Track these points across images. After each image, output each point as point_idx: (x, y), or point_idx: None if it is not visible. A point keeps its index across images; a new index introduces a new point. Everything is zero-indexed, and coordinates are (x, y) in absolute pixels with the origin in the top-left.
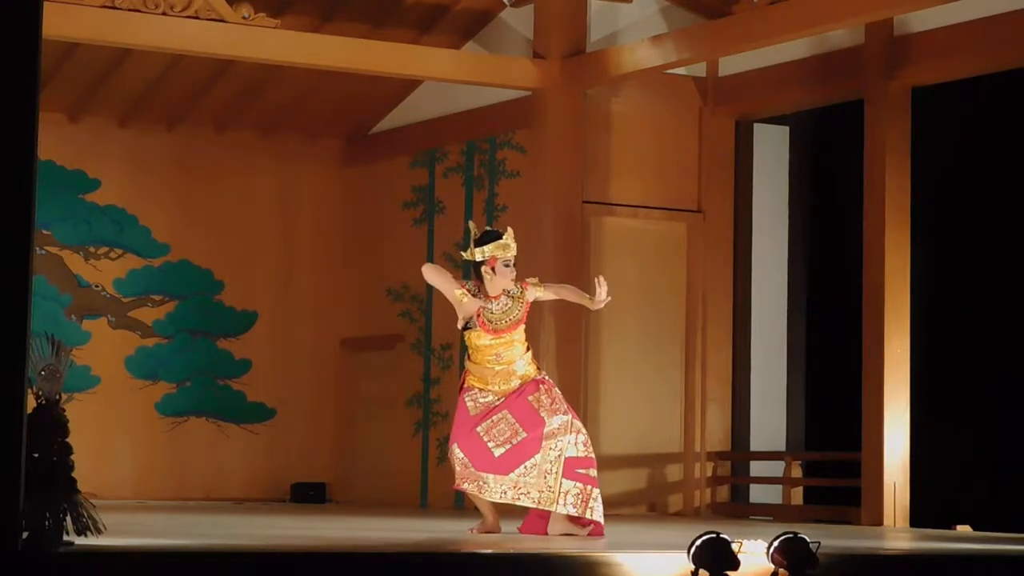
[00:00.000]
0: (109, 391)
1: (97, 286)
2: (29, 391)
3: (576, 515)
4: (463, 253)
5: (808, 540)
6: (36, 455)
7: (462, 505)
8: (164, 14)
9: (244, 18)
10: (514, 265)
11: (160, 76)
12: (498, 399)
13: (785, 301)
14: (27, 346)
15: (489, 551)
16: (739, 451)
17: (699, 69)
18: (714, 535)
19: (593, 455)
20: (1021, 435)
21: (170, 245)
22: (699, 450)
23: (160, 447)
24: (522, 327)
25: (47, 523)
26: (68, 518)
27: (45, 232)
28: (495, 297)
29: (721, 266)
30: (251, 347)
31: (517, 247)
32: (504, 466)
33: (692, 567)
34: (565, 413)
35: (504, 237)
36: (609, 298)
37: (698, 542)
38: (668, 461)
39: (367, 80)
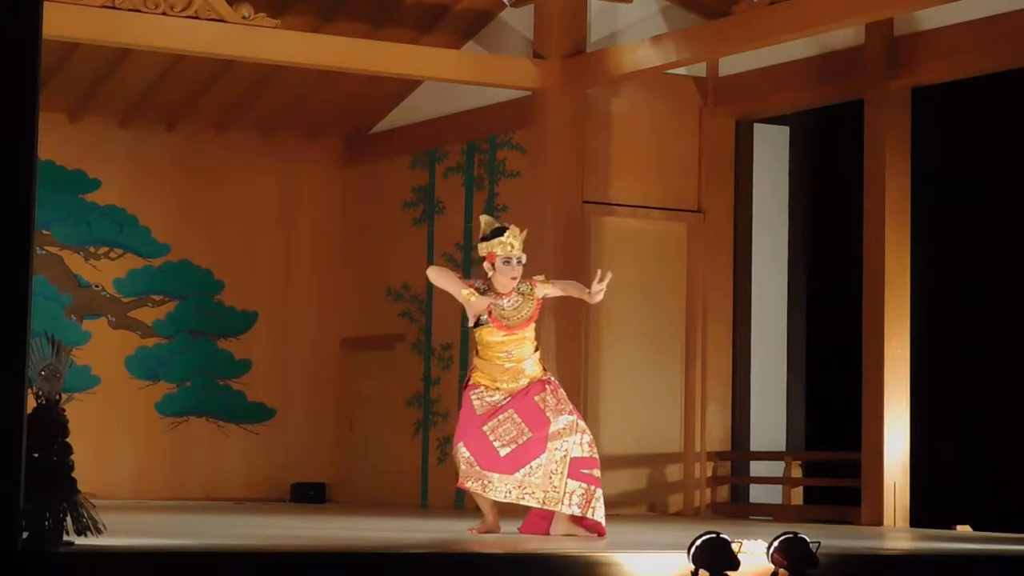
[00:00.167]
0: (109, 391)
1: (97, 286)
2: (29, 391)
3: (580, 515)
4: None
5: (808, 540)
6: (36, 455)
7: (462, 505)
8: (164, 14)
9: (244, 18)
10: (519, 263)
11: (160, 76)
12: (504, 398)
13: (785, 301)
14: (27, 346)
15: (489, 551)
16: (739, 451)
17: (699, 69)
18: (714, 535)
19: (597, 455)
20: (1021, 435)
21: (170, 245)
22: (699, 450)
23: (160, 447)
24: (533, 325)
25: (47, 523)
26: (68, 518)
27: (45, 232)
28: (506, 294)
29: (721, 266)
30: (251, 347)
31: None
32: (509, 466)
33: (692, 567)
34: (570, 414)
35: (505, 235)
36: (604, 286)
37: (698, 542)
38: (668, 461)
39: (367, 80)
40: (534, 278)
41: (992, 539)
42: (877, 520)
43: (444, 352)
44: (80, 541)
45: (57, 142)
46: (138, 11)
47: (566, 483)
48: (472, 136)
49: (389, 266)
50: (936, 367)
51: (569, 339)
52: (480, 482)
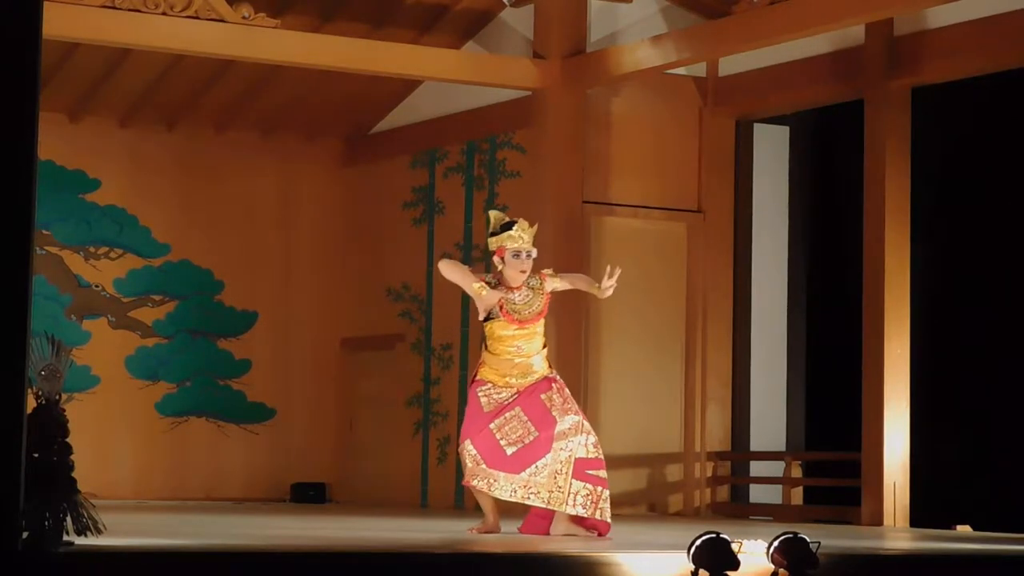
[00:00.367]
0: (109, 391)
1: (97, 286)
2: (29, 391)
3: (585, 516)
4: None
5: (808, 540)
6: (36, 455)
7: (462, 505)
8: (164, 14)
9: (244, 18)
10: (528, 257)
11: (160, 76)
12: (512, 396)
13: (785, 301)
14: (27, 346)
15: (489, 551)
16: (739, 451)
17: (699, 69)
18: (714, 535)
19: (602, 456)
20: (1021, 435)
21: (170, 245)
22: (699, 450)
23: (160, 447)
24: (543, 320)
25: (47, 523)
26: (68, 518)
27: (45, 232)
28: (516, 288)
29: (721, 266)
30: (251, 347)
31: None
32: (515, 465)
33: (692, 567)
34: (576, 414)
35: (514, 229)
36: (614, 282)
37: (698, 542)
38: (668, 461)
39: (367, 80)
40: (543, 272)
41: (992, 539)
42: (877, 520)
43: (444, 352)
44: (80, 541)
45: (57, 142)
46: (138, 11)
47: (571, 483)
48: (472, 136)
49: (389, 266)
50: (936, 367)
51: (569, 339)
52: (486, 480)
